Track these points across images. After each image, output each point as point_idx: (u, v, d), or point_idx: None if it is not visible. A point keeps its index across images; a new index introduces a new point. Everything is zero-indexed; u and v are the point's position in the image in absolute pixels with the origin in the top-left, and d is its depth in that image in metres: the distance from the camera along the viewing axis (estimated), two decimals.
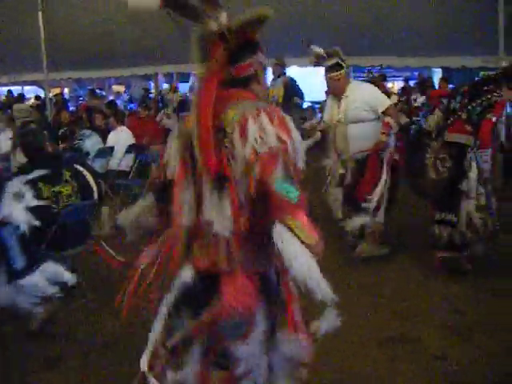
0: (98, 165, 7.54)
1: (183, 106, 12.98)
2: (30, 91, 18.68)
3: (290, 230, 1.79)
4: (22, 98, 14.99)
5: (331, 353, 3.28)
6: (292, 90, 8.05)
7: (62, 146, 8.80)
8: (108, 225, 6.31)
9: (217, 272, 1.94)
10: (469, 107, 4.69)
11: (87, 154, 7.77)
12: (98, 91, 17.45)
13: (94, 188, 4.64)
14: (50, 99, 13.05)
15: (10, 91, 16.85)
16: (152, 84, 18.71)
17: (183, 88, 19.65)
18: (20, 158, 5.59)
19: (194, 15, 1.97)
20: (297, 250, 1.77)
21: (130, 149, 8.09)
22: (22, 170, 4.42)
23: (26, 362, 3.51)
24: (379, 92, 5.19)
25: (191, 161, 2.02)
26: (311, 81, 10.35)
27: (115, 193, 7.48)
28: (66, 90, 20.42)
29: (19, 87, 17.81)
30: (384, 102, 5.03)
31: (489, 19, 8.39)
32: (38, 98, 16.18)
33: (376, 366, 3.41)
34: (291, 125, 1.93)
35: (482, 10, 8.61)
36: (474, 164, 4.59)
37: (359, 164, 5.03)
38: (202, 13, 1.95)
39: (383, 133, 4.91)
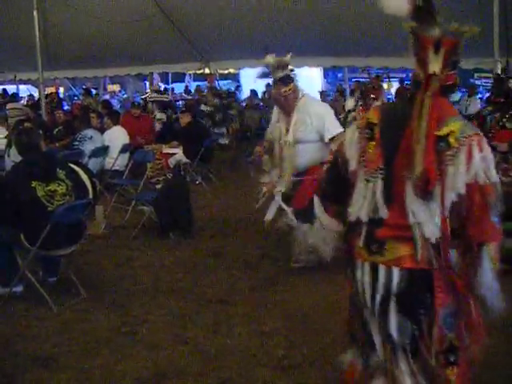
0: (92, 164, 7.52)
1: None
2: (25, 90, 18.67)
3: (489, 255, 2.02)
4: (15, 96, 14.97)
5: (327, 350, 3.30)
6: None
7: (57, 144, 8.80)
8: (102, 224, 6.33)
9: (428, 269, 2.06)
10: (507, 115, 4.96)
11: (82, 153, 7.74)
12: (92, 90, 17.46)
13: (89, 187, 4.63)
14: (45, 98, 13.02)
15: (4, 90, 16.83)
16: (147, 83, 18.73)
17: (178, 88, 19.69)
18: (14, 157, 5.57)
19: (428, 21, 2.12)
20: (492, 281, 2.03)
21: (124, 148, 8.08)
22: (17, 169, 4.42)
23: (17, 361, 3.49)
24: (331, 117, 4.82)
25: (384, 157, 2.11)
26: None
27: (110, 192, 7.47)
28: (61, 89, 20.41)
29: (14, 86, 17.80)
30: (332, 131, 4.64)
31: (484, 21, 8.41)
32: (31, 97, 16.17)
33: None
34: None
35: (477, 12, 8.63)
36: None
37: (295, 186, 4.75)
38: (435, 18, 2.10)
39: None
